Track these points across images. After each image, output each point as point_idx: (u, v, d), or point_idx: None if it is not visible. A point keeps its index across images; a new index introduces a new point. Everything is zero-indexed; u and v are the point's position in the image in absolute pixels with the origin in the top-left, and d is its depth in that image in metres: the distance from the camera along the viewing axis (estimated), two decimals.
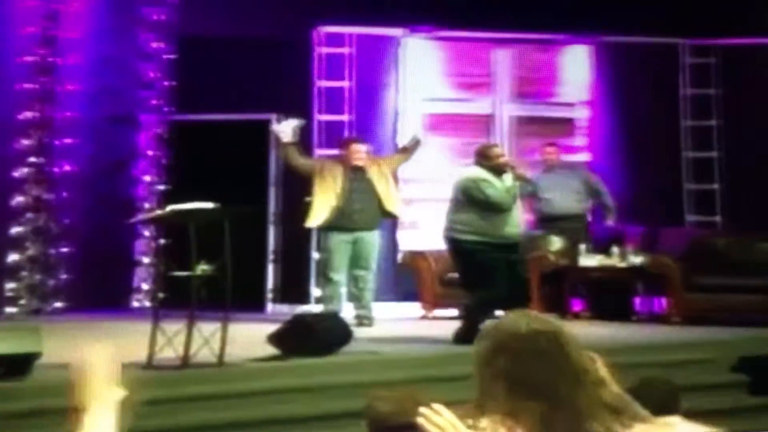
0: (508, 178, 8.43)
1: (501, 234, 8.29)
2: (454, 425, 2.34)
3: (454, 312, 10.36)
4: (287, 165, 10.00)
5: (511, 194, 8.33)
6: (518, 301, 8.35)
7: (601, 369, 2.49)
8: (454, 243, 8.58)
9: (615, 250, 10.40)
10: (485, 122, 12.34)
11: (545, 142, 11.58)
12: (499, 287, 8.27)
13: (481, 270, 8.37)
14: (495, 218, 8.31)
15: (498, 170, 8.42)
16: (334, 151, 10.98)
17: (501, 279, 8.28)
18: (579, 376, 2.40)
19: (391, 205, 9.86)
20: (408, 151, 10.30)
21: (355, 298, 9.82)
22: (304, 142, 11.11)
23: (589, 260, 10.39)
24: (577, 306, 10.40)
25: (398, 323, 9.91)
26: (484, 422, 2.38)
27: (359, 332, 8.16)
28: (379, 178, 9.86)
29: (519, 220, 8.48)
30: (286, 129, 9.78)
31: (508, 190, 8.31)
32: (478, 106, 12.34)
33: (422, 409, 2.35)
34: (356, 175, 9.82)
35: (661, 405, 4.39)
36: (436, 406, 2.34)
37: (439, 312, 10.38)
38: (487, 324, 2.65)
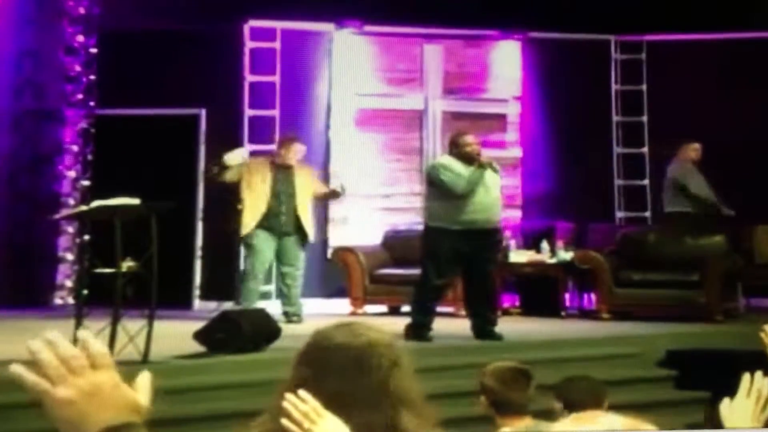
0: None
1: (459, 220, 8.18)
2: (318, 412, 2.31)
3: (383, 308, 10.33)
4: (218, 181, 9.82)
5: (471, 181, 8.22)
6: (476, 294, 8.35)
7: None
8: (423, 230, 8.61)
9: (545, 245, 10.42)
10: (416, 118, 12.30)
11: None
12: (429, 279, 8.22)
13: (425, 258, 8.36)
14: (454, 204, 8.21)
15: (467, 158, 8.35)
16: (264, 146, 10.91)
17: (435, 270, 8.22)
18: (382, 397, 2.33)
19: (305, 220, 9.73)
20: (328, 196, 10.19)
21: (284, 294, 9.72)
22: (233, 137, 11.01)
23: (519, 256, 10.39)
24: (507, 301, 10.39)
25: (327, 320, 9.78)
26: None
27: (287, 329, 8.06)
28: (304, 187, 9.75)
29: (487, 207, 8.39)
30: (237, 157, 9.68)
31: (469, 177, 8.22)
32: (408, 101, 12.30)
33: (289, 396, 2.32)
34: (284, 175, 9.71)
35: (585, 400, 4.39)
36: (302, 393, 2.31)
37: (368, 308, 10.30)
38: (317, 329, 2.54)
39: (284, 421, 2.34)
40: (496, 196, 8.47)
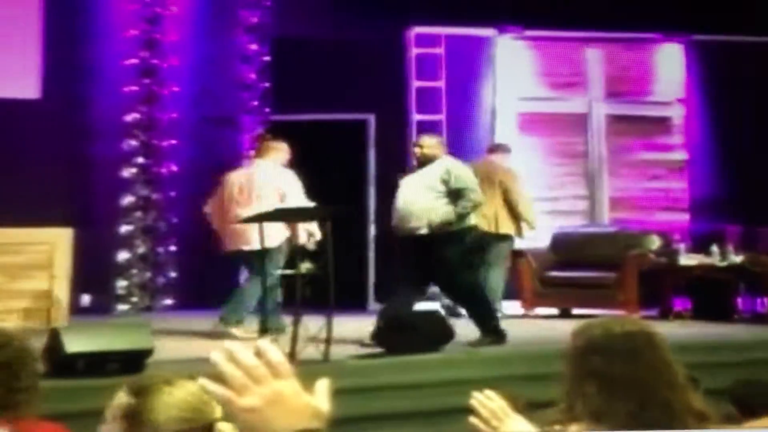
0: None
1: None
2: (505, 411, 2.46)
3: (554, 311, 10.36)
4: None
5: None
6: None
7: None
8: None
9: (714, 249, 10.30)
10: (580, 121, 12.31)
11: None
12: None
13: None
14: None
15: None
16: None
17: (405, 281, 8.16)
18: (672, 378, 2.47)
19: None
20: None
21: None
22: (401, 141, 11.20)
23: (688, 260, 10.30)
24: (678, 305, 10.31)
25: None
26: (573, 428, 2.45)
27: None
28: None
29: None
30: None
31: None
32: (571, 105, 12.33)
33: (475, 394, 2.47)
34: None
35: (763, 403, 4.35)
36: (488, 392, 2.47)
37: (539, 310, 10.36)
38: (581, 324, 2.68)
39: (472, 419, 2.50)
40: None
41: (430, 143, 8.25)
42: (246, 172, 8.67)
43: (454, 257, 7.87)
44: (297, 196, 8.23)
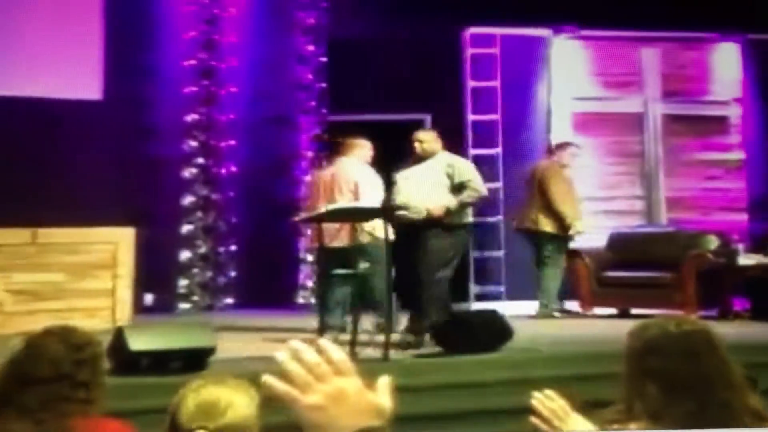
0: None
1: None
2: (566, 410, 2.48)
3: (612, 310, 10.32)
4: None
5: None
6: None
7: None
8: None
9: None
10: (635, 121, 12.27)
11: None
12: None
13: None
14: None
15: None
16: (487, 150, 11.18)
17: None
18: (730, 378, 2.48)
19: None
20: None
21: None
22: (457, 141, 11.23)
23: (747, 260, 10.23)
24: (738, 305, 10.24)
25: (559, 322, 9.86)
26: (632, 425, 2.46)
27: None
28: None
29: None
30: None
31: None
32: (627, 104, 12.30)
33: (536, 394, 2.50)
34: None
35: None
36: (549, 392, 2.49)
37: (597, 310, 10.33)
38: (636, 324, 2.70)
39: (533, 419, 2.53)
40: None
41: (429, 138, 8.26)
42: (330, 170, 8.79)
43: (443, 250, 7.80)
44: (370, 194, 8.27)
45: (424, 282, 7.72)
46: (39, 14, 10.39)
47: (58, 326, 3.20)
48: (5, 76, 10.08)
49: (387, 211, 7.44)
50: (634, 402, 2.50)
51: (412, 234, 7.75)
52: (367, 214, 7.74)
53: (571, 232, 10.10)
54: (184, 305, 10.86)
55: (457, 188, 7.87)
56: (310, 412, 1.49)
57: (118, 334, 6.45)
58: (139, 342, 6.40)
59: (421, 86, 11.49)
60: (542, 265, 10.11)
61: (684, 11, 11.59)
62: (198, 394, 2.66)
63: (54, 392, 2.99)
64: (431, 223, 7.76)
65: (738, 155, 12.26)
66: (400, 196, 7.89)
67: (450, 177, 7.89)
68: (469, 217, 8.05)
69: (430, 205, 7.74)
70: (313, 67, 11.67)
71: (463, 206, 7.87)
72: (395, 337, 7.49)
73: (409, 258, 7.77)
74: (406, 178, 8.04)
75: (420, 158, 8.09)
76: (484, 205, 11.38)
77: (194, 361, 6.45)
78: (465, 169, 8.02)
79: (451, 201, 7.80)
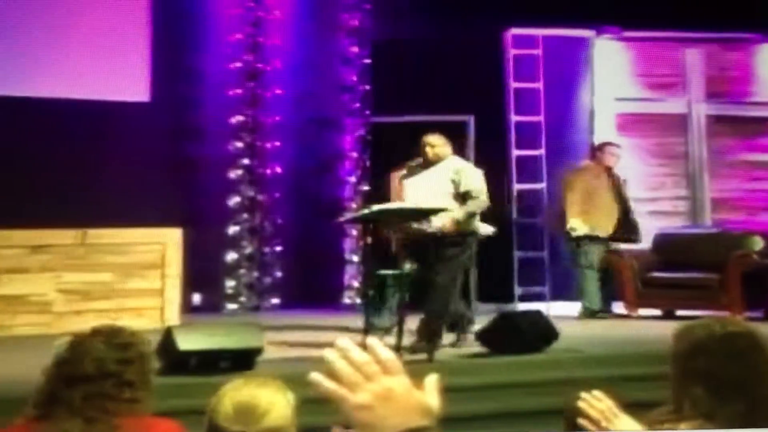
0: None
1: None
2: (614, 411, 2.51)
3: (655, 312, 10.30)
4: None
5: None
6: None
7: None
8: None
9: None
10: (679, 122, 12.23)
11: None
12: None
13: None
14: None
15: None
16: (530, 152, 11.20)
17: None
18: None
19: None
20: None
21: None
22: (500, 142, 11.26)
23: None
24: None
25: (604, 322, 9.85)
26: (682, 425, 2.48)
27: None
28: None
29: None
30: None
31: None
32: (670, 106, 12.26)
33: (584, 395, 2.53)
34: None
35: None
36: (597, 393, 2.52)
37: (642, 311, 10.31)
38: (681, 326, 2.72)
39: (581, 420, 2.56)
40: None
41: (440, 142, 8.18)
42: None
43: (452, 257, 7.79)
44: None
45: (438, 288, 7.72)
46: (87, 17, 10.50)
47: (104, 326, 3.22)
48: (55, 79, 10.20)
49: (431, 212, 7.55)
50: (682, 403, 2.51)
51: (423, 243, 7.81)
52: (412, 214, 7.78)
53: (572, 234, 10.18)
54: (231, 305, 10.93)
55: (462, 196, 7.85)
56: (359, 412, 1.49)
57: (168, 334, 6.54)
58: (188, 342, 6.49)
59: (463, 87, 11.48)
60: (577, 266, 10.18)
61: (727, 12, 11.52)
62: (235, 395, 2.67)
63: (98, 390, 3.00)
64: (443, 234, 7.75)
65: None
66: (407, 204, 7.88)
67: (455, 184, 7.86)
68: (477, 224, 8.04)
69: (439, 222, 7.71)
70: (357, 69, 11.73)
71: (470, 216, 7.86)
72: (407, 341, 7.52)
73: (422, 265, 7.91)
74: (414, 185, 8.03)
75: (429, 163, 8.06)
76: (528, 207, 11.45)
77: (242, 361, 6.54)
78: (471, 177, 7.94)
79: (459, 212, 7.77)
